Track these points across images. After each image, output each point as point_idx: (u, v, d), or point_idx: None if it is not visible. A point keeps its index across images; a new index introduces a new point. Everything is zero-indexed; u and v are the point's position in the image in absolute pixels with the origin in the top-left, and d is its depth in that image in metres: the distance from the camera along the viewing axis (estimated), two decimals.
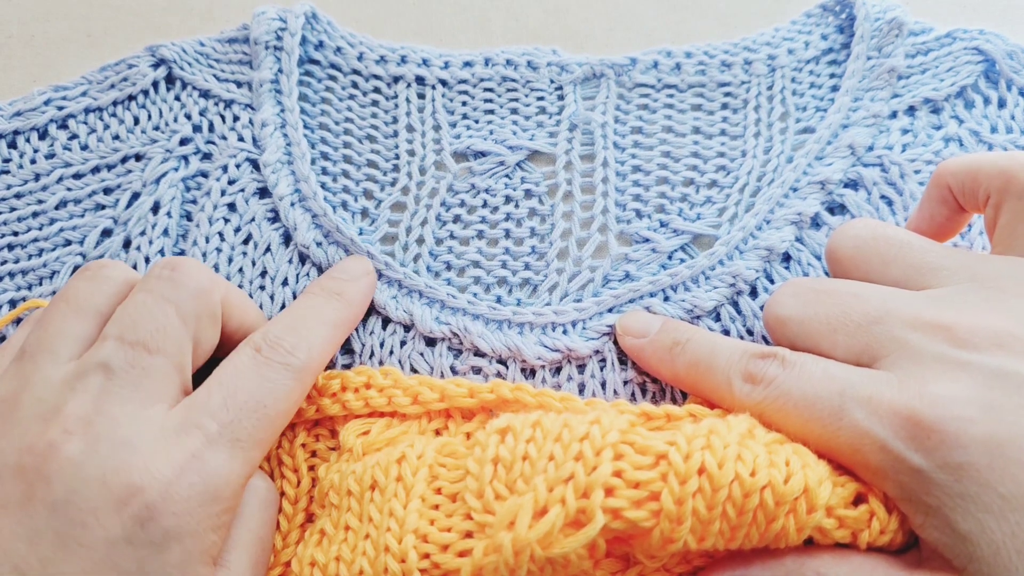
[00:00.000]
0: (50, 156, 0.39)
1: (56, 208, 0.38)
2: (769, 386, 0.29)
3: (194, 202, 0.38)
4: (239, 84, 0.40)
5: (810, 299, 0.31)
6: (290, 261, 0.37)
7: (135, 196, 0.38)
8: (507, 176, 0.39)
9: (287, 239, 0.38)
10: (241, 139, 0.39)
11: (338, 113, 0.40)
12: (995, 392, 0.26)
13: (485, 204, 0.39)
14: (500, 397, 0.32)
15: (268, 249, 0.37)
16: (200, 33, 0.42)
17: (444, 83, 0.41)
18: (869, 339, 0.29)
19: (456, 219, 0.39)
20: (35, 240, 0.38)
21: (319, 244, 0.37)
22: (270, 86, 0.40)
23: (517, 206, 0.39)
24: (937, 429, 0.26)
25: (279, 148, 0.39)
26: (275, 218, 0.38)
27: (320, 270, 0.37)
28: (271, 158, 0.39)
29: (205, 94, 0.40)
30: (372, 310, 0.36)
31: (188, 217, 0.38)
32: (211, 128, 0.40)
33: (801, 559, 0.27)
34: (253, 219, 0.38)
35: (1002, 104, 0.40)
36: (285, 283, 0.37)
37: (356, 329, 0.36)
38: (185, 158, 0.39)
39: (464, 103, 0.40)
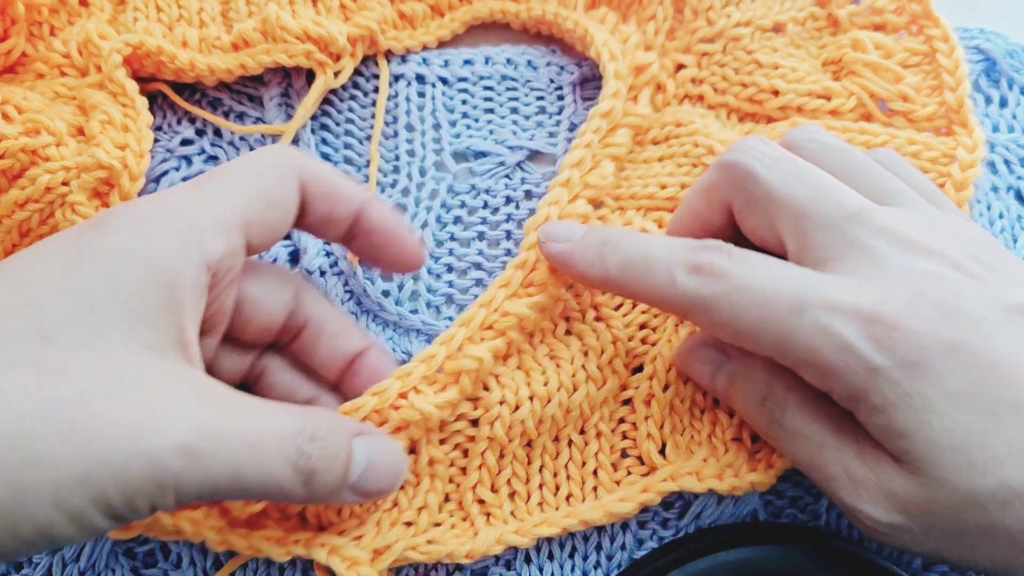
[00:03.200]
0: None
1: None
2: (720, 279, 0.29)
3: None
4: (251, 98, 0.40)
5: (789, 172, 0.30)
6: None
7: None
8: (507, 177, 0.39)
9: (295, 258, 0.38)
10: (252, 150, 0.39)
11: (339, 114, 0.40)
12: (954, 301, 0.27)
13: (486, 205, 0.39)
14: None
15: (274, 262, 0.37)
16: None
17: (444, 81, 0.41)
18: (836, 237, 0.29)
19: (456, 220, 0.39)
20: None
21: (322, 273, 0.37)
22: (280, 100, 0.40)
23: (518, 207, 0.39)
24: (900, 328, 0.27)
25: None
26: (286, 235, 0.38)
27: None
28: None
29: (215, 103, 0.40)
30: None
31: None
32: (218, 133, 0.40)
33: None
34: None
35: (1003, 103, 0.40)
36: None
37: None
38: (187, 158, 0.39)
39: (464, 101, 0.40)
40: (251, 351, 0.32)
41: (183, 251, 0.27)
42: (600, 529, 0.34)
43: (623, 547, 0.34)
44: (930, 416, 0.26)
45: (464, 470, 0.34)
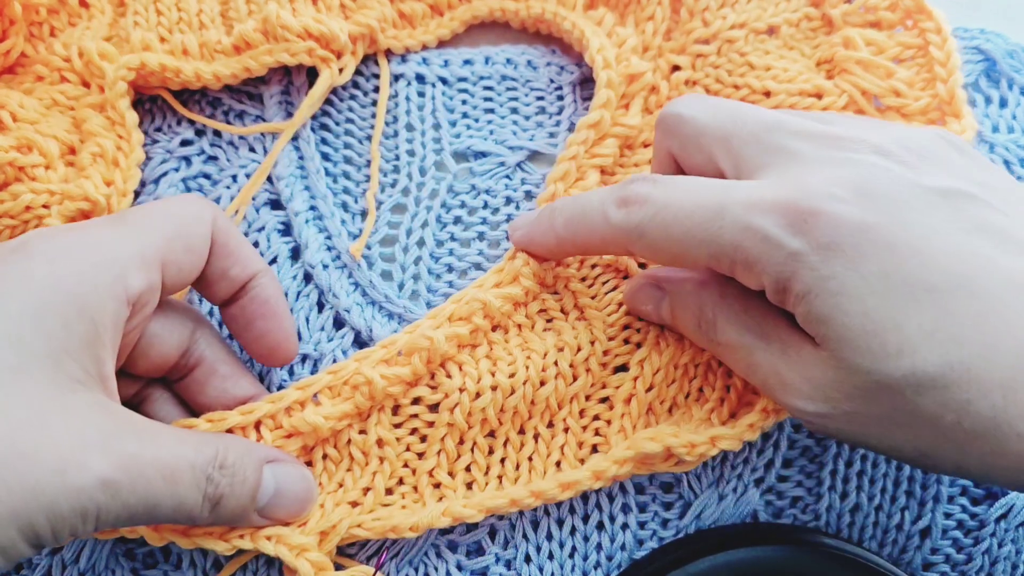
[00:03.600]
0: None
1: None
2: (645, 204, 0.30)
3: None
4: (250, 96, 0.40)
5: (711, 106, 0.32)
6: (294, 277, 0.37)
7: (134, 196, 0.38)
8: (507, 177, 0.39)
9: (295, 254, 0.38)
10: (252, 150, 0.39)
11: (339, 114, 0.40)
12: (869, 184, 0.27)
13: (486, 205, 0.39)
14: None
15: (274, 260, 0.37)
16: None
17: (444, 81, 0.41)
18: (759, 147, 0.30)
19: (457, 220, 0.39)
20: None
21: (325, 267, 0.37)
22: (280, 98, 0.40)
23: (518, 207, 0.39)
24: (814, 211, 0.27)
25: (292, 162, 0.39)
26: (286, 231, 0.38)
27: (322, 293, 0.37)
28: (284, 171, 0.38)
29: (215, 103, 0.40)
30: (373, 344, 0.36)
31: None
32: (217, 133, 0.40)
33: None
34: (263, 228, 0.38)
35: (1003, 103, 0.40)
36: (284, 296, 0.37)
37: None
38: (187, 159, 0.39)
39: (464, 101, 0.40)
40: (138, 381, 0.33)
41: (106, 285, 0.27)
42: (600, 529, 0.34)
43: (623, 547, 0.34)
44: (844, 300, 0.26)
45: (421, 455, 0.34)
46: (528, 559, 0.34)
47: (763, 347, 0.30)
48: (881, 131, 0.30)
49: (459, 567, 0.34)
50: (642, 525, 0.34)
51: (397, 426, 0.34)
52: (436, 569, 0.34)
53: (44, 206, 0.35)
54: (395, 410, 0.34)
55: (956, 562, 0.35)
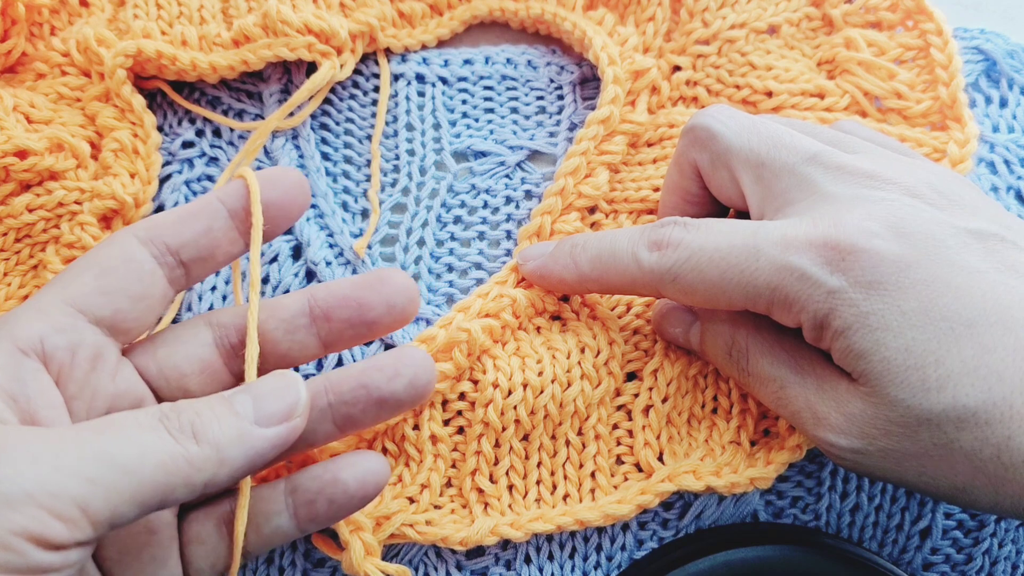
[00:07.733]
0: None
1: None
2: (679, 248, 0.30)
3: None
4: (250, 95, 0.40)
5: (745, 127, 0.32)
6: (295, 275, 0.37)
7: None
8: (507, 176, 0.39)
9: (297, 252, 0.38)
10: None
11: (339, 113, 0.40)
12: (904, 222, 0.28)
13: (486, 205, 0.39)
14: None
15: (275, 258, 0.37)
16: None
17: (444, 81, 0.41)
18: (792, 180, 0.30)
19: (457, 220, 0.39)
20: None
21: (328, 263, 0.37)
22: (280, 97, 0.40)
23: (518, 207, 0.39)
24: (853, 249, 0.27)
25: (292, 160, 0.39)
26: (288, 229, 0.38)
27: None
28: None
29: (214, 102, 0.40)
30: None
31: None
32: (217, 133, 0.40)
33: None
34: None
35: (1003, 103, 0.40)
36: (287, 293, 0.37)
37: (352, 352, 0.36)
38: (189, 161, 0.39)
39: (464, 101, 0.40)
40: None
41: None
42: (600, 530, 0.34)
43: (623, 547, 0.34)
44: (885, 335, 0.27)
45: (465, 454, 0.34)
46: (528, 559, 0.34)
47: (797, 380, 0.30)
48: (909, 171, 0.30)
49: (459, 567, 0.34)
50: (642, 525, 0.34)
51: (446, 423, 0.34)
52: (436, 569, 0.34)
53: (76, 202, 0.36)
54: (444, 405, 0.34)
55: (956, 562, 0.35)
